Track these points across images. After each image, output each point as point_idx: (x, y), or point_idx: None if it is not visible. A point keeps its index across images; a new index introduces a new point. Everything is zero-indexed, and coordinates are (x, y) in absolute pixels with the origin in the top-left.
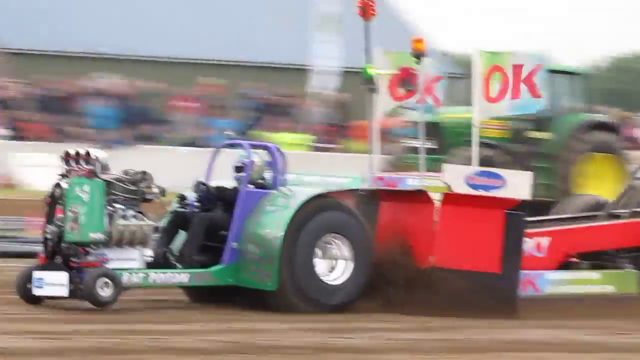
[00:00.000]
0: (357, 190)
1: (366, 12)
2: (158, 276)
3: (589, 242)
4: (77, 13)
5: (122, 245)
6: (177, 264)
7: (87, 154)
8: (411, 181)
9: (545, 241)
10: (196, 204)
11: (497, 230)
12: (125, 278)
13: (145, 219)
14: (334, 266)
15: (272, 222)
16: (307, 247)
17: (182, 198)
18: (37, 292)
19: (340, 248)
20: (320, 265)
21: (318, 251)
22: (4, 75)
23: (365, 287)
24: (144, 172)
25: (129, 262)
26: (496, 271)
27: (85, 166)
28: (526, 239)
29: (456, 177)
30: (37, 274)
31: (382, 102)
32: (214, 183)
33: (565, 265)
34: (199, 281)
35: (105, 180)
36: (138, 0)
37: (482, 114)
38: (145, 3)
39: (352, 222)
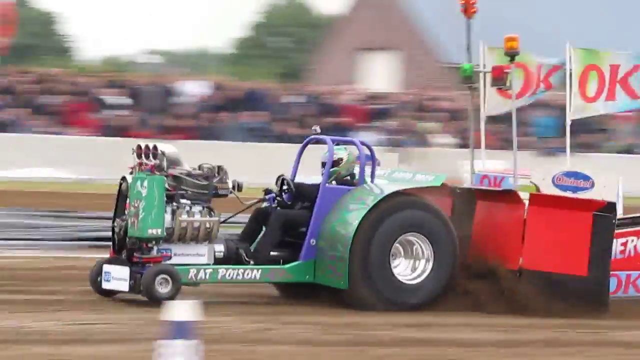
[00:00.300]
0: (455, 188)
1: (467, 9)
2: (227, 272)
3: None
4: None
5: (187, 241)
6: (250, 260)
7: (155, 147)
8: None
9: None
10: (277, 199)
11: (585, 233)
12: (191, 274)
13: (212, 214)
14: (414, 265)
15: (347, 220)
16: (384, 246)
17: (266, 193)
18: (105, 285)
19: (421, 247)
20: (399, 264)
21: (396, 250)
22: (448, 89)
23: (447, 287)
24: (219, 167)
25: (197, 257)
26: (583, 274)
27: (151, 161)
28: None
29: (545, 177)
30: (106, 268)
31: (494, 101)
32: (298, 179)
33: None
34: (274, 278)
35: (172, 176)
36: None
37: (577, 113)
38: None
39: (433, 220)
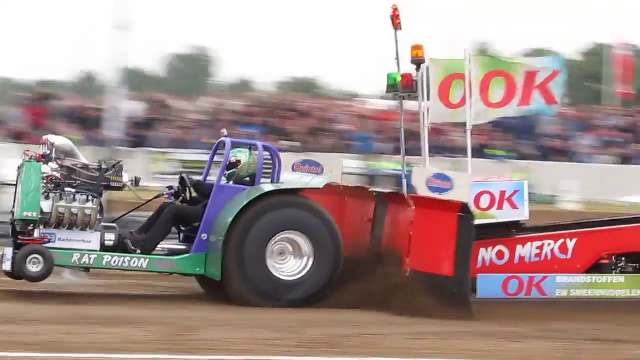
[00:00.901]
0: (372, 191)
1: (394, 21)
2: (113, 259)
3: (620, 244)
4: None
5: (66, 227)
6: (136, 250)
7: (47, 139)
8: None
9: (571, 243)
10: (181, 196)
11: (452, 233)
12: (75, 258)
13: (93, 203)
14: (292, 262)
15: (226, 216)
16: (259, 242)
17: (169, 188)
18: (3, 267)
19: (301, 245)
20: (275, 261)
21: (273, 246)
22: None
23: (330, 284)
24: (117, 163)
25: (84, 243)
26: (450, 274)
27: (42, 151)
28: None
29: (421, 179)
30: (4, 251)
31: (435, 109)
32: (197, 178)
33: (596, 268)
34: (161, 268)
35: (64, 166)
36: None
37: (480, 118)
38: None
39: (314, 220)
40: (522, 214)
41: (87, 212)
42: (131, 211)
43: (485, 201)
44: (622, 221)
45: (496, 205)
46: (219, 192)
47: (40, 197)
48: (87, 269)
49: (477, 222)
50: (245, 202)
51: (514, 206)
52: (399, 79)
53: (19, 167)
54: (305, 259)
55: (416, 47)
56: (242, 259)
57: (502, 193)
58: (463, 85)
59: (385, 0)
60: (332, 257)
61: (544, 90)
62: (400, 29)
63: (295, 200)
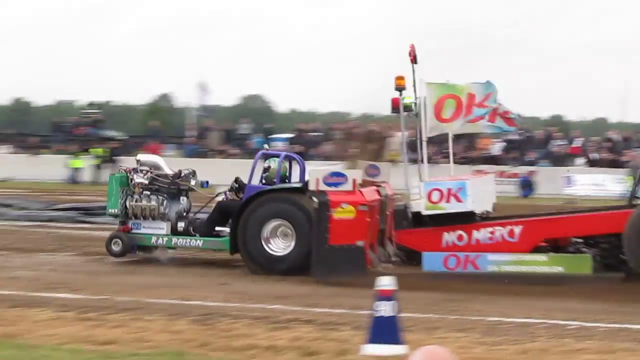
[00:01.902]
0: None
1: (411, 56)
2: (179, 240)
3: (556, 230)
4: None
5: (146, 218)
6: (196, 234)
7: (136, 157)
8: None
9: (517, 229)
10: (227, 194)
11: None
12: (153, 239)
13: (161, 201)
14: (280, 242)
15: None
16: (256, 227)
17: (230, 189)
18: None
19: (286, 229)
20: (268, 240)
21: (267, 229)
22: None
23: (305, 259)
24: (189, 172)
25: (159, 230)
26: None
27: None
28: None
29: (319, 177)
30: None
31: (430, 124)
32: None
33: (537, 250)
34: (211, 246)
35: (149, 177)
36: None
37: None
38: None
39: (297, 211)
40: (465, 207)
41: (152, 208)
42: (204, 206)
43: (435, 196)
44: (558, 213)
45: (444, 199)
46: (248, 192)
47: (119, 198)
48: (173, 248)
49: (435, 211)
50: (244, 199)
51: (458, 200)
52: (411, 102)
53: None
54: (289, 239)
55: (399, 78)
56: (245, 239)
57: (449, 190)
58: (454, 104)
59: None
60: (307, 239)
61: (500, 113)
62: (417, 62)
63: (284, 197)
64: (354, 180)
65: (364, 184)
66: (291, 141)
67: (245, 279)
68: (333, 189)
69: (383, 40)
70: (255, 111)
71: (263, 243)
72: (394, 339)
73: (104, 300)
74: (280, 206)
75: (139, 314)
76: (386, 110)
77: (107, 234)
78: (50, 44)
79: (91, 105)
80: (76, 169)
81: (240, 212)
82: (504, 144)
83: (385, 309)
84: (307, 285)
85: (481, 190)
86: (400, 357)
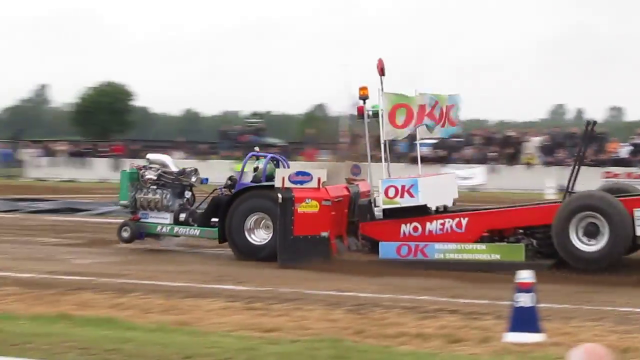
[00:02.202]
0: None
1: (379, 69)
2: (180, 229)
3: (496, 222)
4: None
5: (152, 209)
6: (194, 224)
7: (146, 156)
8: None
9: (464, 221)
10: (223, 190)
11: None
12: (159, 228)
13: (164, 195)
14: (261, 232)
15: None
16: (240, 218)
17: (225, 186)
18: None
19: (267, 222)
20: (251, 231)
21: (250, 221)
22: None
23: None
24: (192, 170)
25: (164, 219)
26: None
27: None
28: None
29: (285, 176)
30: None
31: (387, 129)
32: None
33: (481, 239)
34: (206, 235)
35: (156, 173)
36: None
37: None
38: None
39: (273, 206)
40: (416, 201)
41: (157, 200)
42: (203, 200)
43: (391, 192)
44: (500, 207)
45: (399, 195)
46: (236, 188)
47: (128, 192)
48: (175, 236)
49: (391, 206)
50: (232, 194)
51: (411, 195)
52: (377, 110)
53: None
54: (270, 230)
55: (362, 88)
56: (231, 230)
57: (403, 187)
58: (405, 112)
59: None
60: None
61: (430, 115)
62: (384, 74)
63: (263, 193)
64: (319, 179)
65: (349, 181)
66: (435, 146)
67: (396, 272)
68: (298, 186)
69: None
70: None
71: (246, 233)
72: (533, 328)
73: (268, 292)
74: (261, 201)
75: (300, 304)
76: (522, 116)
77: None
78: (217, 59)
79: (254, 115)
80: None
81: (227, 206)
82: (631, 147)
83: (524, 300)
84: (453, 278)
85: (434, 187)
86: (539, 344)
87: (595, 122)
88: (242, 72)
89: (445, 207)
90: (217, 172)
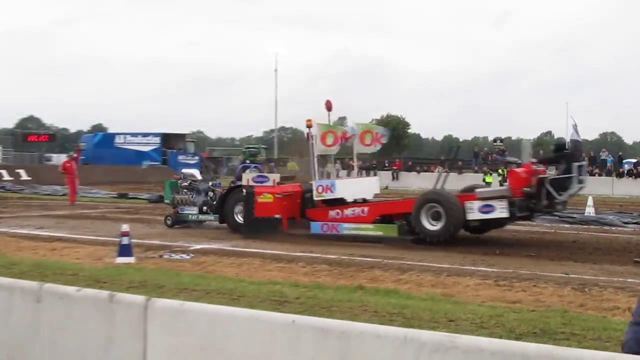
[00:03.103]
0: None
1: (329, 107)
2: (204, 217)
3: (383, 210)
4: None
5: (187, 205)
6: (210, 213)
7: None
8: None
9: (366, 209)
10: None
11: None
12: (190, 217)
13: (192, 195)
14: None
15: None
16: (231, 206)
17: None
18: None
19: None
20: (237, 213)
21: (237, 207)
22: None
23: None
24: (211, 178)
25: (193, 210)
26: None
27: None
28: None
29: (249, 178)
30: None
31: (319, 148)
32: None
33: (376, 221)
34: (216, 220)
35: (184, 182)
36: None
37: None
38: None
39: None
40: (335, 195)
41: (186, 198)
42: (218, 197)
43: (320, 189)
44: (388, 200)
45: (324, 191)
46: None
47: (172, 194)
48: (200, 222)
49: (319, 198)
50: (226, 189)
51: (331, 191)
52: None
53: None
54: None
55: (308, 121)
56: (226, 214)
57: (327, 185)
58: (333, 136)
59: None
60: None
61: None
62: (331, 110)
63: (244, 189)
64: (274, 180)
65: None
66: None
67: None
68: (259, 184)
69: None
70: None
71: (235, 216)
72: None
73: (511, 273)
74: (240, 195)
75: (535, 282)
76: None
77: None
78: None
79: (497, 139)
80: (487, 183)
81: (223, 199)
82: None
83: None
84: None
85: (350, 186)
86: None
87: (459, 146)
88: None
89: (364, 199)
90: (467, 182)
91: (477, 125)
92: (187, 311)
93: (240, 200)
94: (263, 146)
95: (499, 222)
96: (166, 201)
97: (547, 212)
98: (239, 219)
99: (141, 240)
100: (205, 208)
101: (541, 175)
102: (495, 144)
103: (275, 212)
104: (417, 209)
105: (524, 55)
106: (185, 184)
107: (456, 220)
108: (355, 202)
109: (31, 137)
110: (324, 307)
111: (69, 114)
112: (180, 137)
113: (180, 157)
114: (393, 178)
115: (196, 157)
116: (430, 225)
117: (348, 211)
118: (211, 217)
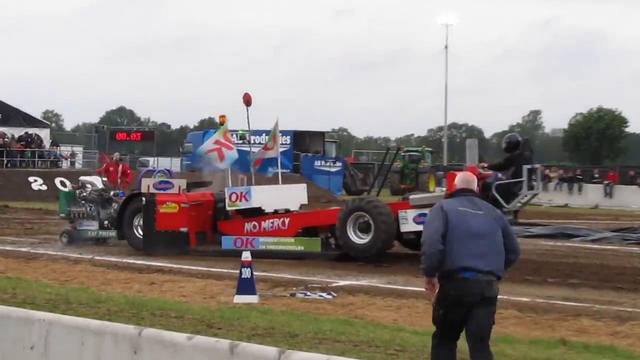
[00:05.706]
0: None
1: (247, 101)
2: (104, 233)
3: (306, 221)
4: None
5: (85, 219)
6: (111, 227)
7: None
8: None
9: (287, 221)
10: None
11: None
12: (90, 233)
13: (89, 208)
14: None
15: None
16: (130, 216)
17: None
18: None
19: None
20: (137, 226)
21: (136, 219)
22: None
23: None
24: (112, 187)
25: (91, 226)
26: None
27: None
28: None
29: (150, 184)
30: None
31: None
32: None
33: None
34: (119, 237)
35: (82, 192)
36: None
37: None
38: None
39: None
40: (250, 205)
41: (82, 212)
42: (117, 209)
43: (233, 197)
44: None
45: (239, 199)
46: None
47: (65, 206)
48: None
49: (233, 208)
50: (124, 199)
51: (246, 200)
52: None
53: None
54: None
55: (222, 116)
56: (125, 228)
57: (241, 193)
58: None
59: None
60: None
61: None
62: (250, 105)
63: (142, 197)
64: (179, 186)
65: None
66: None
67: None
68: (161, 191)
69: None
70: None
71: (135, 230)
72: None
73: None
74: (140, 205)
75: None
76: None
77: None
78: None
79: None
80: None
81: (122, 210)
82: None
83: None
84: None
85: (269, 194)
86: None
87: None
88: None
89: (287, 210)
90: None
91: None
92: None
93: (139, 211)
94: (428, 149)
95: None
96: (61, 215)
97: None
98: (139, 233)
99: (266, 273)
100: (106, 223)
101: (487, 181)
102: None
103: (181, 225)
104: (343, 220)
105: None
106: (84, 194)
107: (386, 234)
108: (276, 213)
109: (120, 135)
110: None
111: (167, 107)
112: (318, 136)
113: (317, 163)
114: (605, 194)
115: (339, 164)
116: (357, 239)
117: (266, 223)
118: (113, 233)
